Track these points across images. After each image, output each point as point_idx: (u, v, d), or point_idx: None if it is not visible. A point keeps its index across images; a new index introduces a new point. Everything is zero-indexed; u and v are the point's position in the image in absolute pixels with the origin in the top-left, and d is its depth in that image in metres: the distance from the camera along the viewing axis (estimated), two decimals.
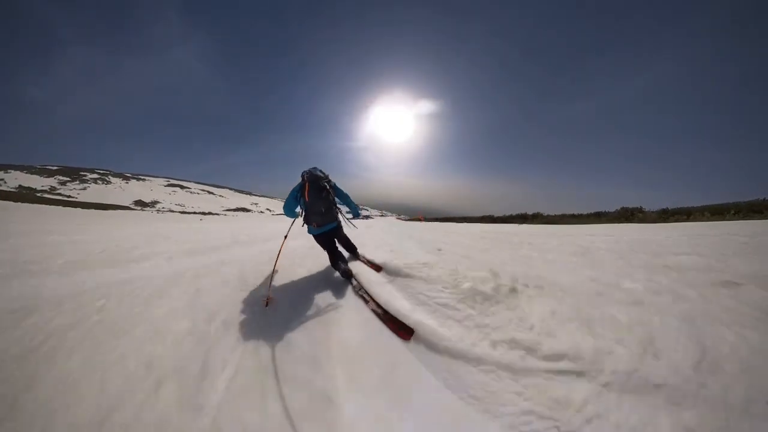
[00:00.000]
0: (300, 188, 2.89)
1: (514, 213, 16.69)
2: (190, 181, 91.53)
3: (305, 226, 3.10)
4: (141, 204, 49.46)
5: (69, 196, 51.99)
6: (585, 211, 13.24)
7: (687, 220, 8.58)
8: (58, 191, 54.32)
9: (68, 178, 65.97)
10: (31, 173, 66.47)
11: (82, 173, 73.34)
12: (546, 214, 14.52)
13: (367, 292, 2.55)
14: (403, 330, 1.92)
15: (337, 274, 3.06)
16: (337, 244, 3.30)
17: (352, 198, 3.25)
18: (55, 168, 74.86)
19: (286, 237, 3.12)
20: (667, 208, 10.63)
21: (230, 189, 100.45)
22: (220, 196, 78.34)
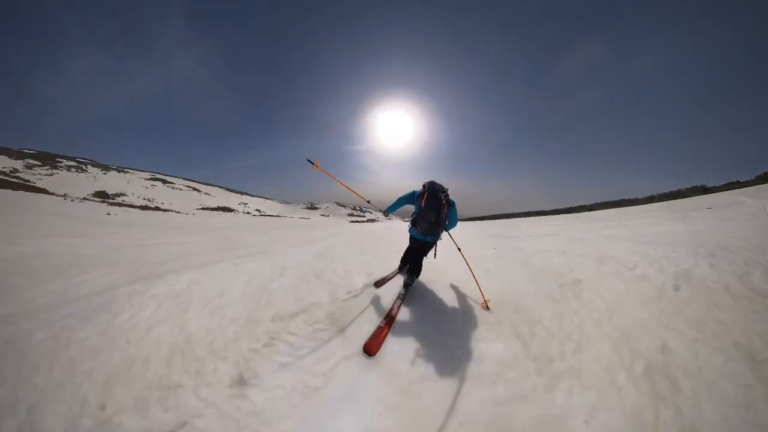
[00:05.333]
0: (420, 195, 3.08)
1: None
2: (177, 177, 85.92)
3: (410, 226, 3.36)
4: (102, 195, 43.58)
5: (27, 181, 46.29)
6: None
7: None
8: (17, 174, 48.54)
9: (39, 163, 60.28)
10: (0, 154, 60.89)
11: (59, 160, 67.80)
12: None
13: (395, 306, 2.97)
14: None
15: (399, 276, 3.75)
16: (420, 259, 3.49)
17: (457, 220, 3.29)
18: (32, 152, 69.38)
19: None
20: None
21: (221, 188, 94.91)
22: (205, 193, 72.66)
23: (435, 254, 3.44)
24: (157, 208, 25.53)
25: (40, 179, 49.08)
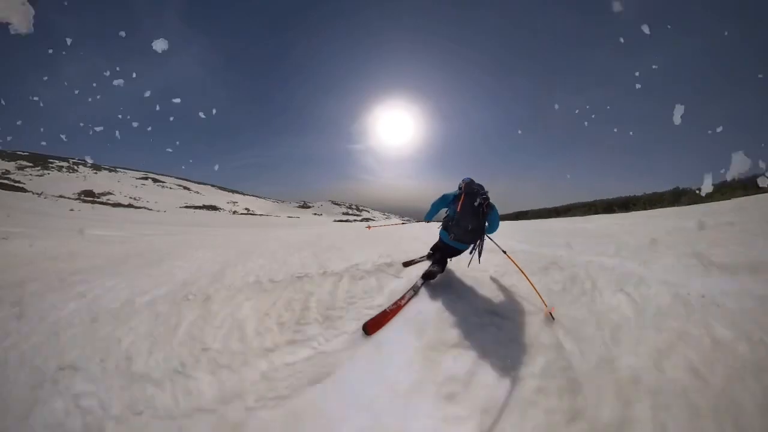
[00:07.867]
0: (455, 197, 2.80)
1: None
2: (170, 176, 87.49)
3: (440, 228, 3.08)
4: (88, 194, 45.16)
5: (18, 182, 47.94)
6: None
7: None
8: (8, 175, 50.22)
9: (30, 164, 61.94)
10: None
11: (50, 161, 69.38)
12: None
13: (406, 296, 2.70)
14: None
15: (424, 265, 3.31)
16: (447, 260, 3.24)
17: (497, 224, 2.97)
18: (24, 154, 71.05)
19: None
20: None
21: (214, 186, 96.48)
22: (195, 192, 74.29)
23: (480, 259, 3.01)
24: (130, 205, 27.15)
25: (31, 180, 50.71)
